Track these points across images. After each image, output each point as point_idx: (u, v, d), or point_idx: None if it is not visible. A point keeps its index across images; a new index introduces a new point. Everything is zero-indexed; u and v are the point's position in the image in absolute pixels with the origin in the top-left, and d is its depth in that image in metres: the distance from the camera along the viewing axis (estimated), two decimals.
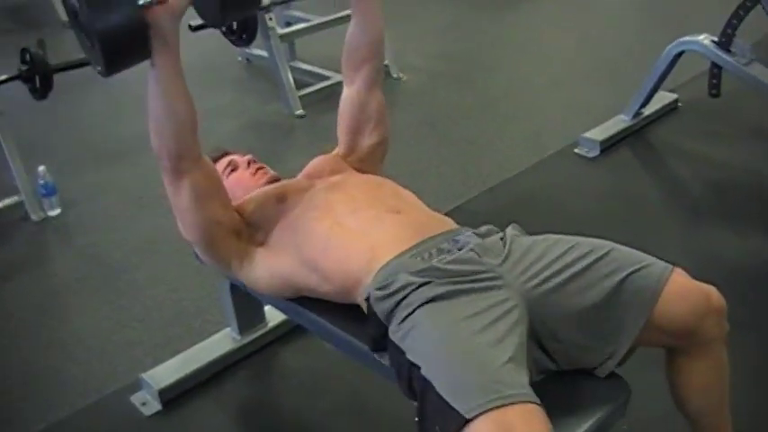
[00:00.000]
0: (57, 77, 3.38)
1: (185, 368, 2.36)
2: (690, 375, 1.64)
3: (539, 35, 5.21)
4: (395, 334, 1.53)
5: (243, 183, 2.07)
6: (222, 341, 2.46)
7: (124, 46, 1.58)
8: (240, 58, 5.09)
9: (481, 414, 1.26)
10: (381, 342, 1.58)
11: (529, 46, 5.03)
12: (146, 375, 2.34)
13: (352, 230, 1.74)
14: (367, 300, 1.61)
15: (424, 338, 1.46)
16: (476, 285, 1.53)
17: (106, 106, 4.57)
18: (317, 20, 4.56)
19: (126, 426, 2.26)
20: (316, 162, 2.09)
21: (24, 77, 3.29)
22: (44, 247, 3.29)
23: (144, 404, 2.30)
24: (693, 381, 1.65)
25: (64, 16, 6.01)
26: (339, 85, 4.18)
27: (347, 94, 2.13)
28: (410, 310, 1.51)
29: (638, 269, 1.57)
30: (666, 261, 1.60)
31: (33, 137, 4.06)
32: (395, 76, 4.55)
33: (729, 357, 1.64)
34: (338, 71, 4.42)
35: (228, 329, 2.48)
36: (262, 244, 1.88)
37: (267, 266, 1.85)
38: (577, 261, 1.59)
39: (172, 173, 1.76)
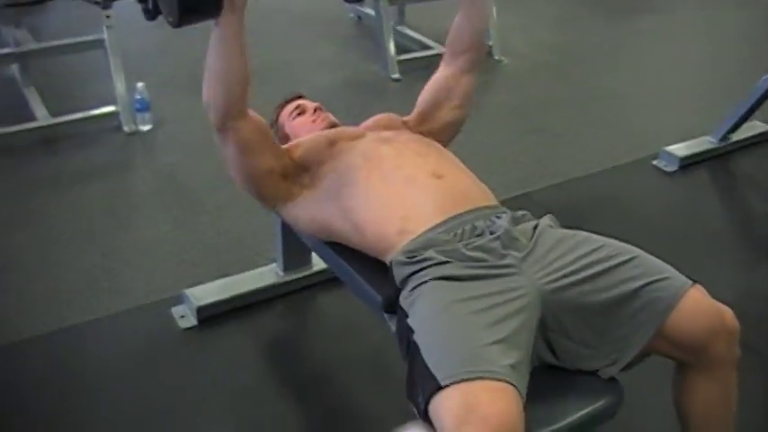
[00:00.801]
0: None
1: (225, 292, 2.49)
2: (694, 391, 1.64)
3: (644, 44, 5.13)
4: (405, 300, 1.61)
5: (305, 126, 2.17)
6: (266, 275, 2.58)
7: (198, 2, 1.67)
8: (352, 15, 5.18)
9: (453, 384, 1.33)
10: (393, 305, 1.66)
11: (632, 52, 4.97)
12: (188, 291, 2.48)
13: (391, 189, 1.80)
14: (390, 263, 1.69)
15: (425, 307, 1.54)
16: (491, 272, 1.58)
17: (208, 39, 4.73)
18: None
19: (161, 333, 2.41)
20: (376, 117, 2.17)
21: None
22: (129, 158, 3.47)
23: (182, 317, 2.44)
24: (697, 398, 1.65)
25: None
26: (439, 57, 4.28)
27: (440, 74, 2.21)
28: (423, 280, 1.58)
29: (658, 280, 1.58)
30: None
31: (139, 54, 4.26)
32: (496, 57, 4.57)
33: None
34: (442, 43, 4.49)
35: (274, 265, 2.59)
36: (306, 185, 1.96)
37: (307, 207, 1.94)
38: (600, 262, 1.61)
39: (220, 125, 1.86)
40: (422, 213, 1.73)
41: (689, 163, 3.44)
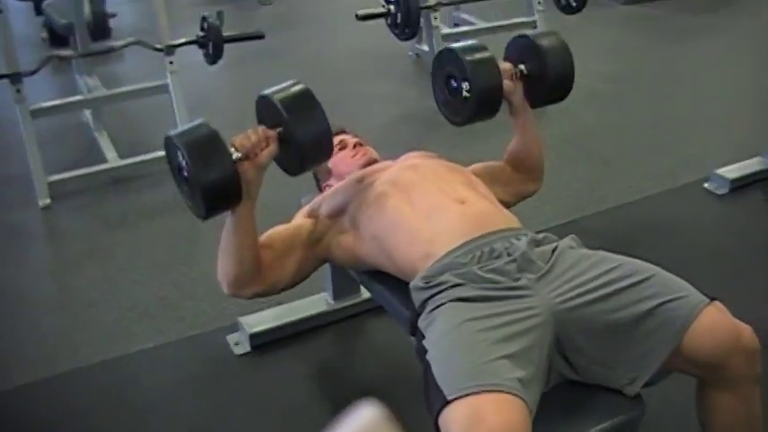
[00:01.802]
0: (233, 47, 3.73)
1: (278, 319, 2.60)
2: (715, 408, 1.66)
3: (698, 67, 5.11)
4: (422, 321, 1.70)
5: (344, 161, 2.27)
6: (317, 303, 2.68)
7: (222, 197, 1.79)
8: (411, 53, 5.31)
9: (460, 398, 1.39)
10: (415, 326, 1.74)
11: (686, 76, 4.96)
12: (242, 319, 2.60)
13: (417, 215, 1.89)
14: (410, 288, 1.78)
15: (438, 328, 1.62)
16: (504, 293, 1.65)
17: (271, 80, 4.91)
18: (482, 24, 4.71)
19: (216, 360, 2.53)
20: (412, 153, 2.26)
21: (200, 43, 3.66)
22: None
23: (237, 344, 2.56)
24: (718, 415, 1.66)
25: None
26: None
27: (504, 166, 2.34)
28: (438, 303, 1.67)
29: (674, 299, 1.61)
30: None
31: (201, 97, 4.46)
32: None
33: None
34: None
35: (325, 293, 2.69)
36: (342, 230, 2.05)
37: (343, 247, 2.04)
38: (616, 281, 1.65)
39: (231, 295, 1.98)
40: (444, 237, 1.81)
41: (740, 185, 3.43)
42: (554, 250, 1.77)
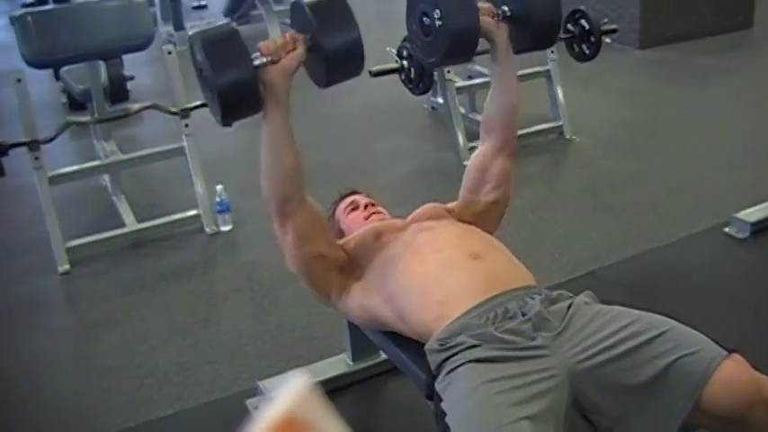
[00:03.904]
0: None
1: None
2: None
3: (718, 111, 5.08)
4: (439, 384, 1.67)
5: (357, 222, 2.27)
6: (336, 364, 2.65)
7: (238, 101, 1.79)
8: (426, 106, 5.33)
9: None
10: (431, 389, 1.71)
11: (705, 120, 4.91)
12: (261, 383, 2.57)
13: (429, 273, 1.87)
14: (426, 351, 1.75)
15: (456, 390, 1.60)
16: (521, 354, 1.62)
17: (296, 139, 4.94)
18: None
19: (236, 425, 2.45)
20: (422, 207, 2.25)
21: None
22: (210, 257, 3.64)
23: (256, 408, 2.53)
24: None
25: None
26: None
27: (476, 153, 2.27)
28: (455, 365, 1.64)
29: (691, 353, 1.58)
30: None
31: (218, 158, 4.49)
32: (567, 137, 4.62)
33: None
34: None
35: (344, 355, 2.66)
36: (359, 278, 2.05)
37: (358, 300, 2.02)
38: (631, 338, 1.63)
39: (278, 215, 1.96)
40: (458, 298, 1.78)
41: (761, 228, 3.38)
42: (569, 307, 1.75)
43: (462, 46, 2.03)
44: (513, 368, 1.58)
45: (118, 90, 5.06)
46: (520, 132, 4.47)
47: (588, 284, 3.05)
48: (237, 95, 1.78)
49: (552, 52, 4.55)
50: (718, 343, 1.63)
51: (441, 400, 1.62)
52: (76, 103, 5.07)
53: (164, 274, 3.48)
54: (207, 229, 3.76)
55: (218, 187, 3.77)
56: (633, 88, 5.66)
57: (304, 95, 5.56)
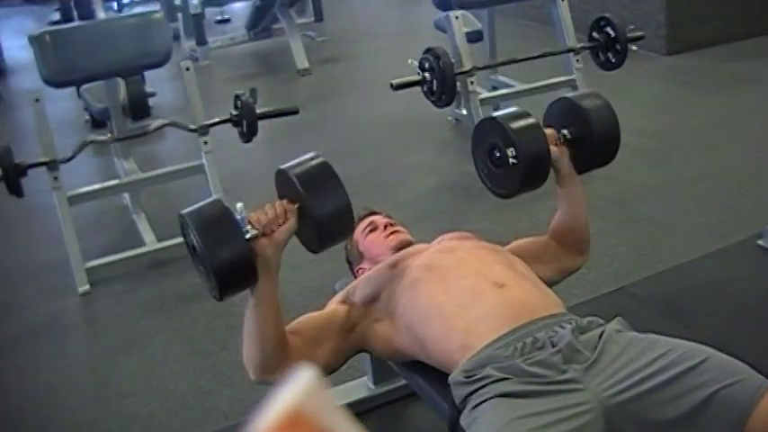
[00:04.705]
0: (271, 121, 3.70)
1: None
2: None
3: (748, 118, 4.92)
4: (465, 419, 1.59)
5: (376, 244, 2.20)
6: (357, 388, 2.59)
7: (236, 278, 1.75)
8: (450, 118, 5.25)
9: None
10: (456, 424, 1.64)
11: (735, 128, 4.77)
12: None
13: (452, 302, 1.80)
14: (450, 383, 1.68)
15: (482, 427, 1.52)
16: (552, 388, 1.55)
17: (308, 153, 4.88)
18: (520, 86, 4.64)
19: None
20: (449, 234, 2.17)
21: (234, 121, 3.64)
22: None
23: None
24: None
25: (300, 65, 6.52)
26: None
27: (548, 242, 2.22)
28: (482, 399, 1.57)
29: (732, 383, 1.51)
30: None
31: (238, 173, 4.44)
32: None
33: None
34: None
35: (366, 378, 2.60)
36: (376, 319, 1.96)
37: (378, 337, 1.94)
38: (667, 369, 1.55)
39: (256, 381, 1.90)
40: (482, 327, 1.71)
41: None
42: (600, 336, 1.67)
43: (536, 179, 2.04)
44: (544, 404, 1.51)
45: (139, 107, 4.99)
46: None
47: (618, 300, 3.03)
48: (234, 274, 1.74)
49: (578, 61, 4.46)
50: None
51: None
52: (98, 121, 5.06)
53: (183, 294, 3.43)
54: None
55: (239, 205, 3.63)
56: (660, 96, 5.54)
57: (327, 107, 5.62)
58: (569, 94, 2.21)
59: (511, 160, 1.97)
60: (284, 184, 1.87)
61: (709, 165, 4.25)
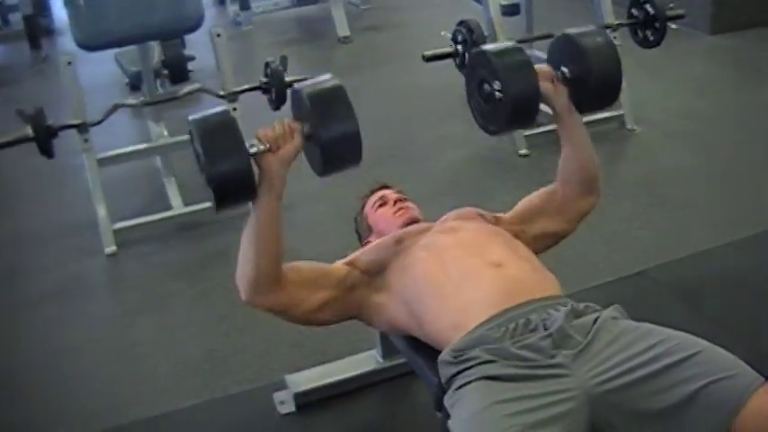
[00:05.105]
0: None
1: (324, 378, 2.53)
2: None
3: None
4: (449, 399, 1.60)
5: (385, 218, 2.21)
6: (365, 361, 2.60)
7: (233, 191, 1.77)
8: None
9: None
10: (440, 403, 1.65)
11: None
12: (289, 377, 2.54)
13: (449, 281, 1.80)
14: (438, 362, 1.69)
15: (464, 409, 1.53)
16: (538, 372, 1.55)
17: None
18: None
19: (260, 419, 2.48)
20: (452, 211, 2.17)
21: (263, 89, 3.65)
22: None
23: (282, 403, 2.50)
24: None
25: (342, 32, 6.51)
26: None
27: (552, 188, 2.18)
28: (467, 381, 1.57)
29: (723, 378, 1.48)
30: None
31: None
32: (629, 127, 4.44)
33: None
34: None
35: (374, 351, 2.61)
36: (377, 288, 1.98)
37: (376, 307, 1.97)
38: (658, 359, 1.53)
39: (245, 301, 1.94)
40: (476, 306, 1.71)
41: None
42: (594, 322, 1.66)
43: (523, 115, 1.99)
44: (529, 388, 1.51)
45: (178, 70, 5.05)
46: None
47: (636, 285, 3.00)
48: (232, 186, 1.76)
49: (615, 38, 4.38)
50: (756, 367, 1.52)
51: (448, 417, 1.55)
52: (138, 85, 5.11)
53: (206, 258, 3.48)
54: None
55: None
56: (702, 77, 5.41)
57: (363, 76, 5.60)
58: (571, 30, 2.10)
59: (497, 94, 1.93)
60: (297, 102, 1.87)
61: (744, 150, 4.16)
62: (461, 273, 1.81)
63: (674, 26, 4.10)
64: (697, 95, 5.01)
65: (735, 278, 3.03)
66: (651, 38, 4.13)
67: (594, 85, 2.04)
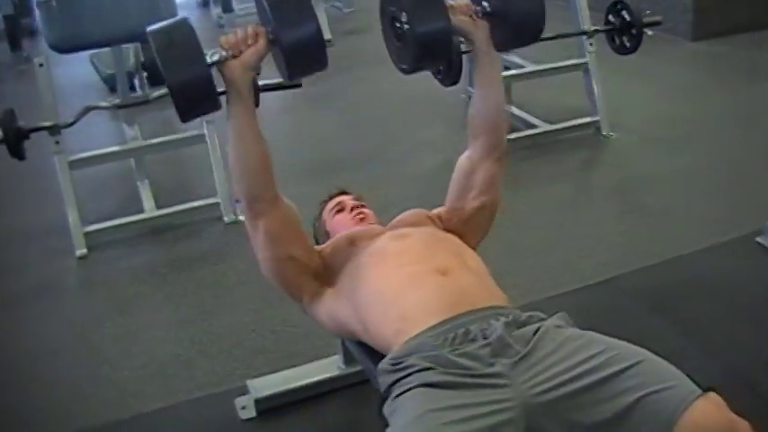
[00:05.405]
0: (284, 93, 3.68)
1: (285, 384, 2.51)
2: None
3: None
4: (387, 408, 1.59)
5: (342, 224, 2.20)
6: (327, 367, 2.58)
7: (193, 98, 1.76)
8: (463, 96, 5.19)
9: None
10: (381, 411, 1.64)
11: (753, 121, 4.60)
12: (250, 382, 2.53)
13: (393, 288, 1.79)
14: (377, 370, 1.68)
15: (400, 418, 1.50)
16: (475, 381, 1.53)
17: (318, 125, 4.89)
18: (531, 67, 4.58)
19: (221, 424, 2.47)
20: (404, 213, 2.17)
21: None
22: (224, 248, 3.59)
23: (243, 408, 2.48)
24: None
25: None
26: (545, 135, 4.11)
27: (463, 158, 2.17)
28: (404, 389, 1.56)
29: (661, 390, 1.46)
30: None
31: None
32: (604, 133, 4.44)
33: None
34: (548, 121, 4.43)
35: (337, 357, 2.60)
36: (331, 285, 1.98)
37: (329, 307, 1.96)
38: (596, 370, 1.51)
39: (248, 212, 1.92)
40: (418, 314, 1.70)
41: None
42: (536, 332, 1.64)
43: (433, 50, 1.92)
44: (465, 397, 1.49)
45: (157, 72, 5.03)
46: (554, 127, 4.43)
47: (606, 292, 2.99)
48: (191, 93, 1.75)
49: (591, 45, 4.39)
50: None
51: (386, 426, 1.54)
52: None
53: (176, 262, 3.47)
54: (225, 218, 3.74)
55: (266, 145, 3.72)
56: (680, 83, 5.41)
57: (342, 79, 5.59)
58: None
59: (405, 27, 1.88)
60: (260, 7, 1.86)
61: (722, 156, 4.16)
62: (404, 280, 1.80)
63: (650, 33, 4.10)
64: (676, 101, 5.02)
65: (705, 286, 3.01)
66: (628, 44, 4.13)
67: (515, 20, 2.01)
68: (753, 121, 4.61)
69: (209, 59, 1.76)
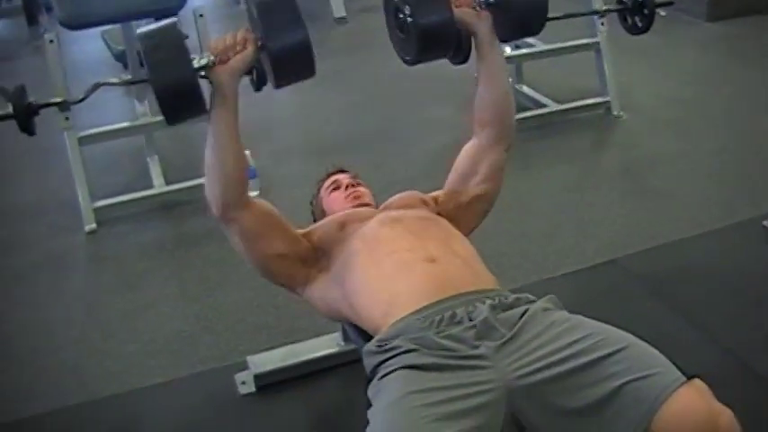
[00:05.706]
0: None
1: (285, 359, 2.55)
2: None
3: None
4: (371, 389, 1.61)
5: (337, 202, 2.22)
6: (327, 344, 2.61)
7: (178, 103, 1.78)
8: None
9: None
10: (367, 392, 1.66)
11: (765, 103, 4.56)
12: (250, 358, 2.56)
13: (382, 274, 1.82)
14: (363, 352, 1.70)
15: (382, 399, 1.52)
16: (460, 363, 1.54)
17: (329, 104, 4.89)
18: (543, 47, 4.55)
19: (221, 399, 2.50)
20: (400, 194, 2.18)
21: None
22: None
23: (243, 383, 2.52)
24: None
25: (337, 13, 6.49)
26: (555, 114, 4.02)
27: (469, 144, 2.19)
28: (388, 370, 1.58)
29: (644, 376, 1.46)
30: None
31: (257, 121, 4.44)
32: (615, 113, 4.42)
33: None
34: (558, 101, 4.40)
35: (337, 334, 2.63)
36: (323, 269, 2.00)
37: (321, 289, 1.98)
38: (581, 354, 1.52)
39: (221, 219, 1.95)
40: (404, 298, 1.72)
41: None
42: (522, 315, 1.65)
43: (436, 43, 1.94)
44: (448, 379, 1.51)
45: None
46: (564, 107, 4.41)
47: (607, 273, 3.00)
48: (177, 99, 1.77)
49: (602, 24, 4.36)
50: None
51: (369, 406, 1.56)
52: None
53: (184, 238, 3.51)
54: None
55: (246, 152, 3.73)
56: (694, 64, 5.36)
57: (355, 57, 5.58)
58: None
59: (408, 18, 1.90)
60: (249, 12, 1.87)
61: (732, 138, 4.13)
62: (393, 266, 1.81)
63: (663, 13, 4.06)
64: (688, 83, 4.97)
65: (706, 269, 3.01)
66: (640, 24, 4.09)
67: (518, 10, 2.02)
68: (763, 106, 4.56)
69: (196, 64, 1.78)
